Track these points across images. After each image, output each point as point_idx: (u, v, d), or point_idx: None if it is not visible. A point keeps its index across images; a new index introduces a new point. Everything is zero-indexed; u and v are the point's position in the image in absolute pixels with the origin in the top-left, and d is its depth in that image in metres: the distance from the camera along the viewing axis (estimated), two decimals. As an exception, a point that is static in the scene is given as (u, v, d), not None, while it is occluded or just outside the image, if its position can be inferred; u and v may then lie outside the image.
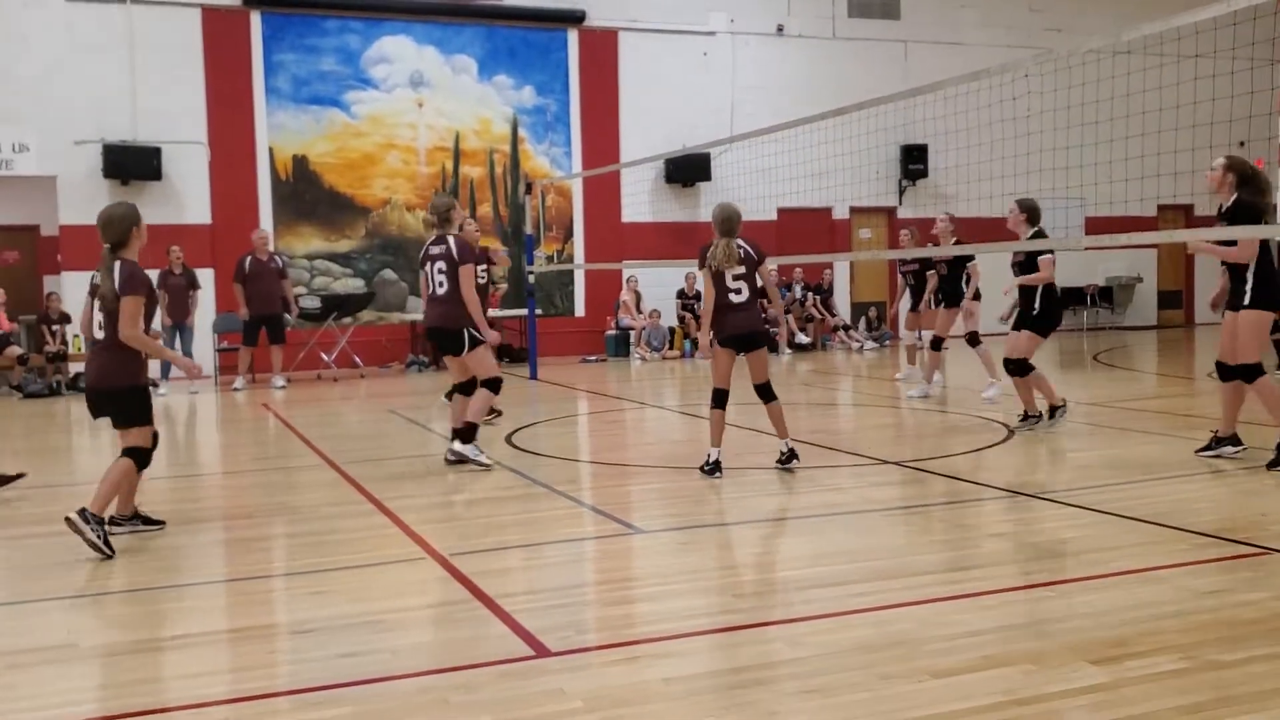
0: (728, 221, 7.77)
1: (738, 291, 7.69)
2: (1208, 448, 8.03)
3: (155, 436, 6.43)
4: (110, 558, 5.81)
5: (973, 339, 12.09)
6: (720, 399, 7.77)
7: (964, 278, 12.16)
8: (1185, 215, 23.06)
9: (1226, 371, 7.80)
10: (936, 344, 12.19)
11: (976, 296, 12.35)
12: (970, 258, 12.15)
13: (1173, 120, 10.83)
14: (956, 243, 11.57)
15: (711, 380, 7.84)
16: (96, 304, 6.30)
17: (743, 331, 7.70)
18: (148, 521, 6.52)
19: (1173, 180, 13.04)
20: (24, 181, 16.82)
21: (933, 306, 12.65)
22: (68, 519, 5.82)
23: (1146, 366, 16.20)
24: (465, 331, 8.37)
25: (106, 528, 5.96)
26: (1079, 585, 4.97)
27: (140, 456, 6.26)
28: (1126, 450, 8.62)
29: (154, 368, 15.06)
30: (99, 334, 6.30)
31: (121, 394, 6.24)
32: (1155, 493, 6.92)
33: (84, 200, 16.25)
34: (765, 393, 7.81)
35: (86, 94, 16.64)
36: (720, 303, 7.72)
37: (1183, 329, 23.59)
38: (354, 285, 18.27)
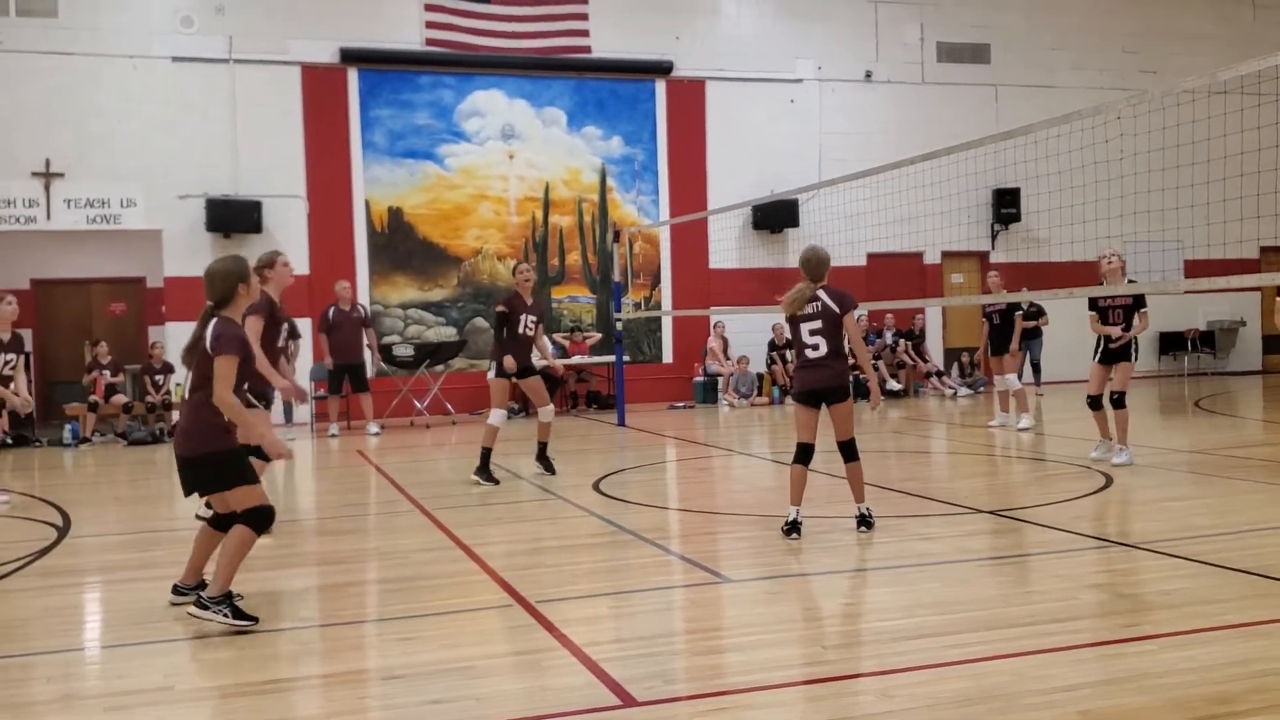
0: (805, 265, 7.47)
1: (814, 347, 7.36)
2: None
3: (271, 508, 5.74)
4: (256, 622, 5.48)
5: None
6: (801, 454, 7.40)
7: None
8: (1290, 257, 22.40)
9: None
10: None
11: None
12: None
13: (1272, 160, 10.56)
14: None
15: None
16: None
17: (814, 387, 7.35)
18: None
19: (1274, 221, 12.68)
20: (131, 235, 17.42)
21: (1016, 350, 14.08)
22: (190, 613, 5.51)
23: (1251, 413, 15.70)
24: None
25: (235, 602, 5.54)
26: (1181, 639, 4.81)
27: (258, 518, 5.60)
28: (1230, 499, 8.35)
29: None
30: (186, 393, 5.75)
31: (202, 460, 5.58)
32: (1261, 544, 6.69)
33: (188, 252, 16.84)
34: (846, 451, 7.42)
35: (190, 150, 17.21)
36: (797, 357, 7.54)
37: (1290, 374, 22.86)
38: (446, 333, 18.55)
